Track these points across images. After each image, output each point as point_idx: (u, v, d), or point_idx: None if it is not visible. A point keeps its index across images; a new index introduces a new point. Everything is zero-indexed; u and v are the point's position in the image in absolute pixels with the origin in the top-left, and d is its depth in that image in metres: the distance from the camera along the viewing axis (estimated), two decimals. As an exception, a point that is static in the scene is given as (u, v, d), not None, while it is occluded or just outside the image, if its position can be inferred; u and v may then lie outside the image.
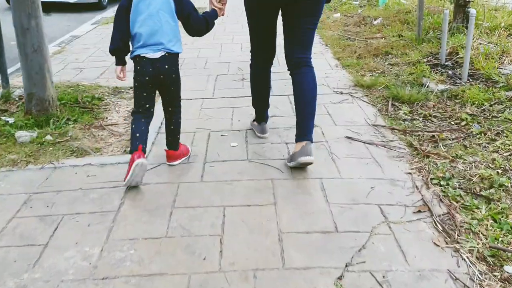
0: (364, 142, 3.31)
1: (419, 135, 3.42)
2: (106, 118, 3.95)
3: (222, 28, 7.49)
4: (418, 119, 3.71)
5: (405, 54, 5.38)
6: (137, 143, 2.66)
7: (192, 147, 3.30)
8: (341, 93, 4.35)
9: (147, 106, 2.76)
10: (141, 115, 2.76)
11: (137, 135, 2.69)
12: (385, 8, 8.07)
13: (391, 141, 3.34)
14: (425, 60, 5.04)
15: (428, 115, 3.76)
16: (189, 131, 3.58)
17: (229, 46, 6.35)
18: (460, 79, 4.37)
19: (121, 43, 2.68)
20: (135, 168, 2.57)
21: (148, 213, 2.50)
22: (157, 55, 2.63)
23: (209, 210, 2.52)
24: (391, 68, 5.02)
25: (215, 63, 5.55)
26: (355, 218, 2.45)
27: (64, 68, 5.47)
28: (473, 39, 4.94)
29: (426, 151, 3.14)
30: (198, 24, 2.79)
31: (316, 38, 6.58)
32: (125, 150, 3.33)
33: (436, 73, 4.60)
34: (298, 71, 2.93)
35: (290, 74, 2.99)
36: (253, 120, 3.52)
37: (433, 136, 3.37)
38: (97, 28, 7.92)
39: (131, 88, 4.63)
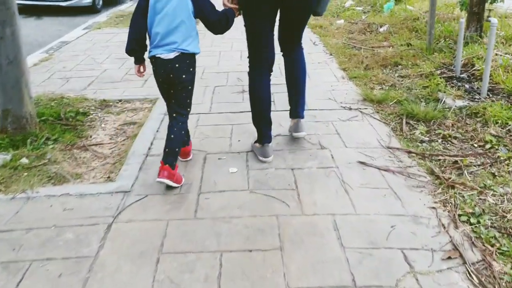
0: (379, 169, 2.94)
1: (439, 159, 3.05)
2: (90, 136, 3.57)
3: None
4: (437, 141, 3.34)
5: (416, 65, 5.01)
6: (166, 150, 2.75)
7: (185, 173, 2.92)
8: (350, 108, 3.98)
9: (167, 102, 2.86)
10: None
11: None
12: (390, 15, 7.71)
13: (409, 167, 2.97)
14: (438, 72, 4.68)
15: (447, 135, 3.38)
16: (182, 153, 3.19)
17: (228, 54, 5.97)
18: (479, 94, 4.00)
19: (135, 45, 2.65)
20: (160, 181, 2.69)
21: (130, 261, 2.12)
22: (171, 55, 2.59)
23: (203, 257, 2.14)
24: (402, 81, 4.64)
25: (213, 73, 5.17)
26: (375, 268, 2.07)
27: (50, 78, 5.09)
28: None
29: (450, 180, 2.76)
30: (218, 21, 2.73)
31: (320, 47, 6.22)
32: (108, 177, 2.95)
33: (452, 87, 4.24)
34: (290, 52, 3.14)
35: (282, 55, 3.17)
36: (255, 142, 3.18)
37: (455, 162, 3.00)
38: (88, 34, 7.53)
39: (120, 101, 4.28)
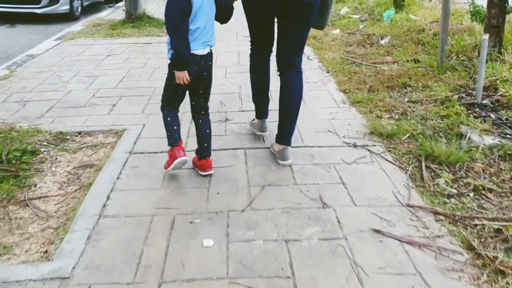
0: (400, 240, 2.24)
1: (476, 225, 2.35)
2: (35, 185, 2.86)
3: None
4: (468, 194, 2.66)
5: (427, 87, 4.34)
6: (177, 136, 2.76)
7: (145, 246, 2.21)
8: (355, 145, 3.29)
9: (179, 101, 2.82)
10: (172, 108, 2.80)
11: (175, 127, 2.76)
12: (391, 25, 7.05)
13: (439, 236, 2.28)
14: (455, 96, 4.00)
15: (480, 187, 2.71)
16: (144, 213, 2.49)
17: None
18: (511, 128, 3.32)
19: (189, 49, 2.56)
20: (177, 164, 2.70)
21: None
22: (205, 51, 2.62)
23: None
24: (413, 107, 3.97)
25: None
26: None
27: (5, 101, 4.36)
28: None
29: (497, 261, 2.06)
30: (228, 9, 2.79)
31: (315, 62, 5.53)
32: (46, 251, 2.24)
33: (475, 117, 3.57)
34: (285, 75, 3.00)
35: (278, 75, 3.06)
36: (253, 120, 3.46)
37: (499, 230, 2.30)
38: (59, 45, 6.79)
39: (79, 133, 3.56)
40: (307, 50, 6.11)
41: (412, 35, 6.15)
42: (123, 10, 8.30)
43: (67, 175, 2.99)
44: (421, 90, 4.34)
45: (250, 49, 3.20)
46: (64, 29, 8.64)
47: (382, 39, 6.34)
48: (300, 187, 2.74)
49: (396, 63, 5.27)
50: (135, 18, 7.89)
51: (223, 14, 2.76)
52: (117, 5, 11.09)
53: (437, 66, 4.75)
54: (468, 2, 5.79)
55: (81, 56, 6.11)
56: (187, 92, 2.79)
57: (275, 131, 3.14)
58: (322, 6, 2.91)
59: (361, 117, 3.82)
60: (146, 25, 7.92)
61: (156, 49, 6.40)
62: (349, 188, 2.73)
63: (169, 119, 2.77)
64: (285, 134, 3.03)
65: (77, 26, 8.49)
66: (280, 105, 3.03)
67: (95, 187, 2.77)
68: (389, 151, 3.21)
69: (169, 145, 2.78)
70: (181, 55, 2.52)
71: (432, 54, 5.30)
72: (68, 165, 3.11)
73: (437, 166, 2.98)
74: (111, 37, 7.37)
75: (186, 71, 2.56)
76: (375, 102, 4.08)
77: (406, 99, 4.17)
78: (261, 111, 3.35)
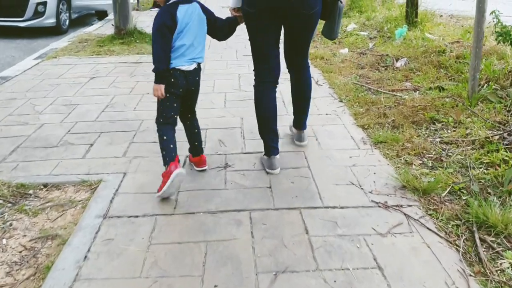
0: None
1: None
2: (-24, 269, 2.16)
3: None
4: (546, 287, 1.98)
5: (460, 123, 3.70)
6: (173, 154, 2.68)
7: None
8: (386, 205, 2.64)
9: (175, 116, 2.80)
10: (170, 125, 2.77)
11: (171, 146, 2.70)
12: (405, 44, 6.42)
13: None
14: (496, 136, 3.36)
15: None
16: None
17: (208, 98, 4.59)
18: None
19: (168, 63, 2.63)
20: (175, 178, 2.56)
21: None
22: (191, 67, 2.69)
23: None
24: (448, 150, 3.34)
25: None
26: None
27: (-36, 137, 3.68)
28: None
29: None
30: (224, 26, 2.89)
31: (325, 88, 4.90)
32: None
33: (529, 168, 2.90)
34: (296, 72, 3.20)
35: (289, 71, 3.20)
36: (264, 154, 3.16)
37: None
38: (39, 65, 6.14)
39: (45, 186, 2.89)
40: (316, 73, 5.48)
41: (431, 57, 5.52)
42: (112, 25, 7.65)
43: (21, 251, 2.31)
44: (453, 127, 3.69)
45: (254, 79, 3.10)
46: (49, 44, 8.00)
47: (397, 61, 5.71)
48: (324, 274, 2.09)
49: (417, 91, 4.64)
50: (125, 34, 7.25)
51: (220, 35, 2.94)
52: (107, 18, 10.42)
53: (468, 97, 4.12)
54: (493, 21, 5.16)
55: (62, 78, 5.45)
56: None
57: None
58: (331, 17, 3.03)
59: (388, 163, 3.17)
60: (137, 41, 7.27)
61: (146, 70, 5.75)
62: (389, 277, 2.07)
63: (165, 138, 2.71)
64: (300, 121, 3.41)
65: (62, 42, 7.83)
66: (294, 99, 3.34)
67: (53, 274, 2.10)
68: (430, 214, 2.56)
69: (164, 164, 2.66)
70: (156, 69, 2.62)
71: (458, 81, 4.67)
72: (25, 235, 2.45)
73: (494, 239, 2.35)
74: (98, 55, 6.72)
75: (162, 85, 2.64)
76: (401, 143, 3.44)
77: (437, 139, 3.53)
78: (269, 148, 3.08)
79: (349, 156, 3.30)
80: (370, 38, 7.58)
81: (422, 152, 3.31)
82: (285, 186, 2.89)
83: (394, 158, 3.24)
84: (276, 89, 3.10)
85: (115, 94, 4.82)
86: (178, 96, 2.73)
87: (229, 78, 5.37)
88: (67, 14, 9.84)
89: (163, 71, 2.61)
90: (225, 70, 5.75)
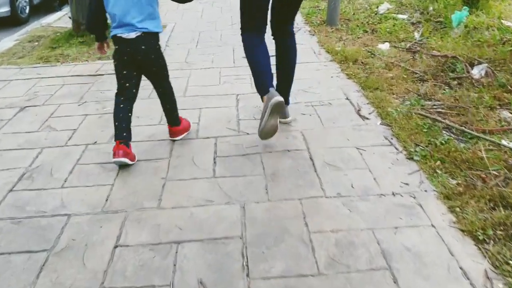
0: None
1: None
2: None
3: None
4: None
5: None
6: (122, 134, 2.71)
7: None
8: None
9: (127, 85, 2.75)
10: (121, 98, 2.77)
11: (116, 123, 2.74)
12: (469, 35, 4.51)
13: None
14: None
15: None
16: None
17: (190, 150, 2.80)
18: None
19: (93, 24, 2.75)
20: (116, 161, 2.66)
21: None
22: (132, 35, 2.62)
23: None
24: None
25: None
26: None
27: None
28: None
29: None
30: None
31: (374, 124, 3.16)
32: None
33: None
34: (282, 39, 3.07)
35: (273, 39, 3.07)
36: (262, 100, 2.88)
37: None
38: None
39: None
40: (351, 88, 3.67)
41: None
42: (69, 17, 5.75)
43: None
44: None
45: (241, 34, 2.94)
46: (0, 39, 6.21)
47: (471, 66, 3.83)
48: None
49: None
50: (85, 30, 5.35)
51: None
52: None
53: None
54: None
55: (-24, 111, 3.63)
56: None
57: None
58: None
59: None
60: (102, 39, 5.35)
61: (107, 88, 3.95)
62: None
63: (114, 112, 2.76)
64: (284, 93, 3.01)
65: (8, 41, 5.97)
66: (278, 68, 3.11)
67: None
68: None
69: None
70: (86, 30, 2.91)
71: None
72: None
73: None
74: (46, 62, 4.89)
75: (99, 43, 2.80)
76: None
77: None
78: (267, 87, 2.79)
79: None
80: (413, 24, 5.69)
81: None
82: None
83: None
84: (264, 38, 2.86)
85: (43, 147, 3.03)
86: (124, 63, 2.70)
87: (223, 103, 3.58)
88: (27, 0, 7.95)
89: (88, 30, 2.95)
90: (217, 87, 3.94)
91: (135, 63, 2.70)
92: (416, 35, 5.19)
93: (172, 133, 3.02)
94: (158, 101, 2.98)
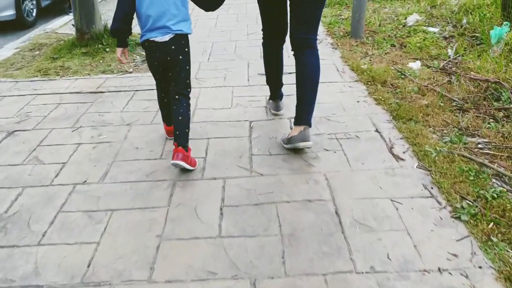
0: None
1: None
2: None
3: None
4: None
5: None
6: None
7: None
8: None
9: (163, 86, 2.82)
10: (161, 91, 2.87)
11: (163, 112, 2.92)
12: (507, 53, 4.02)
13: None
14: None
15: None
16: None
17: (193, 203, 2.36)
18: None
19: (122, 24, 2.58)
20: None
21: None
22: (166, 38, 2.55)
23: None
24: None
25: None
26: None
27: None
28: None
29: None
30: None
31: (410, 167, 2.63)
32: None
33: None
34: (300, 52, 2.84)
35: (293, 55, 2.87)
36: (269, 99, 3.39)
37: None
38: None
39: None
40: (381, 118, 3.20)
41: None
42: (72, 25, 5.37)
43: None
44: None
45: (262, 37, 3.09)
46: (3, 45, 5.87)
47: (520, 96, 3.34)
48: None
49: None
50: (89, 39, 4.96)
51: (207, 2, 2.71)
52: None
53: None
54: None
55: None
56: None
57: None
58: None
59: None
60: (107, 50, 5.00)
61: (106, 109, 3.54)
62: None
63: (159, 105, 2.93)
64: (305, 114, 2.83)
65: (7, 49, 5.59)
66: (298, 86, 2.85)
67: None
68: None
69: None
70: (110, 28, 2.64)
71: None
72: None
73: None
74: (44, 75, 4.50)
75: (120, 49, 2.65)
76: None
77: None
78: (275, 94, 3.32)
79: None
80: (445, 38, 5.19)
81: None
82: None
83: None
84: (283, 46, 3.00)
85: (25, 185, 2.63)
86: (156, 69, 2.72)
87: (234, 132, 3.17)
88: (34, 2, 7.62)
89: (115, 31, 2.60)
90: (229, 111, 3.52)
91: (164, 65, 2.68)
92: (450, 52, 4.71)
93: (177, 155, 2.58)
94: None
